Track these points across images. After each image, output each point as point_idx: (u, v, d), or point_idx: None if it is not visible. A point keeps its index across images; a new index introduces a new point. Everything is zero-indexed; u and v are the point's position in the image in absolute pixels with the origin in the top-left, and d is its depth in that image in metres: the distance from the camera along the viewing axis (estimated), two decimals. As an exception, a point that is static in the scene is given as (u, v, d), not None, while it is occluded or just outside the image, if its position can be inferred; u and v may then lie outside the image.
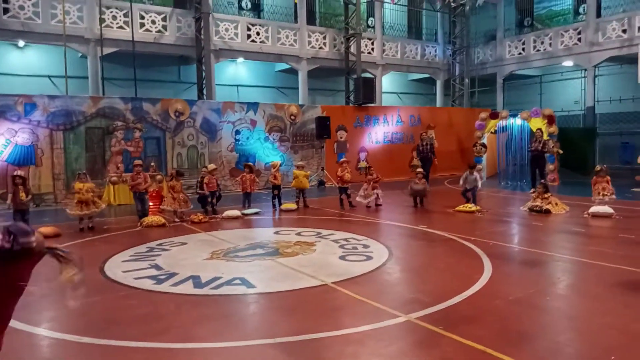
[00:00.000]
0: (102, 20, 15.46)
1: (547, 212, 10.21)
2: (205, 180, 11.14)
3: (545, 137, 15.73)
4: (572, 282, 5.80)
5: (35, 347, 4.25)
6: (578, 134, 18.46)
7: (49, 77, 16.11)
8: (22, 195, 8.87)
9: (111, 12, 15.93)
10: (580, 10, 20.83)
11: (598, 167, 10.72)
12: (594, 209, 9.87)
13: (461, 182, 11.41)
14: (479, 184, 11.47)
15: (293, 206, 11.62)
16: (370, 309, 4.82)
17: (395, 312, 4.65)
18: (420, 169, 12.21)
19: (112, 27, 15.86)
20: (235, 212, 10.66)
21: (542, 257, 6.83)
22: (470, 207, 10.79)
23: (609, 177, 10.45)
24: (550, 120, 15.84)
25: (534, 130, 15.73)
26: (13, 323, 4.52)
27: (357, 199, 11.71)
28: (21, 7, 14.57)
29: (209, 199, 11.05)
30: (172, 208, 10.29)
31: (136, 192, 10.26)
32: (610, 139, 19.87)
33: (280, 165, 12.92)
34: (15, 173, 9.49)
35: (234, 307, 5.09)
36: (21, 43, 15.56)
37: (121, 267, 6.57)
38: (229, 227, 9.57)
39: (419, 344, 4.08)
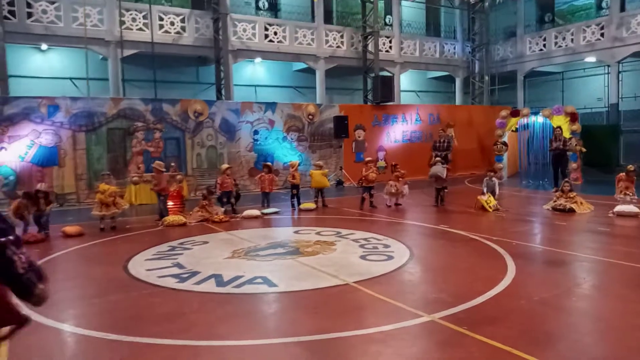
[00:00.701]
0: (122, 23, 15.70)
1: (571, 211, 10.04)
2: (219, 181, 11.19)
3: (567, 135, 15.47)
4: (598, 283, 5.69)
5: (64, 343, 4.34)
6: (601, 131, 18.10)
7: (70, 79, 16.42)
8: (44, 206, 9.02)
9: (131, 14, 16.15)
10: (603, 4, 20.42)
11: (632, 167, 10.42)
12: (619, 207, 9.67)
13: (484, 189, 11.23)
14: (497, 189, 11.24)
15: (312, 206, 11.63)
16: (393, 309, 4.80)
17: (418, 312, 4.62)
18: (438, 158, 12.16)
19: (131, 29, 16.09)
20: (255, 212, 10.71)
21: (567, 257, 6.71)
22: (490, 200, 10.66)
23: (634, 178, 10.24)
24: (573, 117, 15.56)
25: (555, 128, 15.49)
26: (41, 319, 4.65)
27: (385, 196, 11.68)
28: (44, 11, 14.88)
29: (224, 199, 11.06)
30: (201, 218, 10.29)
31: (159, 193, 10.40)
32: (634, 136, 19.41)
33: (299, 164, 12.94)
34: (37, 187, 9.54)
35: (256, 305, 5.12)
36: (44, 46, 15.90)
37: (144, 266, 6.65)
38: (249, 227, 9.62)
39: (442, 344, 4.05)
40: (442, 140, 15.94)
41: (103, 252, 7.78)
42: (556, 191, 11.00)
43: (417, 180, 15.01)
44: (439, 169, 11.52)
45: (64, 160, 13.07)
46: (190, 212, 10.43)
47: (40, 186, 9.87)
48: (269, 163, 12.57)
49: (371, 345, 4.01)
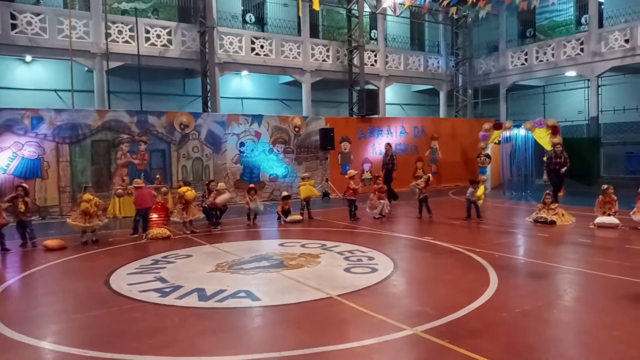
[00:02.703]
0: (107, 35, 15.66)
1: (553, 223, 10.17)
2: (210, 199, 11.04)
3: (548, 147, 15.72)
4: (579, 295, 5.76)
5: (41, 361, 4.25)
6: (582, 144, 18.42)
7: (55, 91, 16.29)
8: (21, 206, 8.88)
9: (117, 26, 16.14)
10: (582, 20, 20.95)
11: (605, 187, 10.47)
12: (600, 219, 9.82)
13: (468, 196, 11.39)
14: (469, 194, 11.38)
15: (298, 217, 11.63)
16: (376, 322, 4.80)
17: (401, 325, 4.63)
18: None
19: (117, 42, 16.06)
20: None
21: (549, 269, 6.79)
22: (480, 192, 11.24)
23: (613, 196, 10.26)
24: (554, 130, 15.82)
25: (542, 142, 15.76)
26: (18, 337, 4.56)
27: (367, 210, 11.76)
28: (28, 23, 14.80)
29: (214, 212, 11.03)
30: (180, 219, 10.27)
31: (142, 208, 10.06)
32: (614, 148, 19.83)
33: (285, 176, 12.96)
34: (19, 184, 9.53)
35: (238, 320, 5.08)
36: (28, 58, 15.78)
37: (126, 280, 6.57)
38: (233, 239, 9.56)
39: (425, 358, 4.05)
40: (389, 155, 15.25)
41: (84, 266, 7.66)
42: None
43: (401, 192, 15.08)
44: (412, 188, 11.85)
45: (47, 173, 12.91)
46: (173, 211, 10.48)
47: (22, 183, 9.74)
48: (252, 185, 12.28)
49: (353, 359, 4.00)
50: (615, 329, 4.51)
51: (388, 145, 15.54)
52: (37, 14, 14.94)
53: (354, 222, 11.25)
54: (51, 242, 8.89)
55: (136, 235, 9.83)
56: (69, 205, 12.90)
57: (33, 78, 16.25)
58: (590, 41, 19.17)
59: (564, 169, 12.88)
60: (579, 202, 12.72)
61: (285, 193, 12.36)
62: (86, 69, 15.96)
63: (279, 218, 11.65)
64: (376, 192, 11.81)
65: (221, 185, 11.62)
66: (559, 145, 13.67)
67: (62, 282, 6.96)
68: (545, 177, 13.42)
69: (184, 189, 10.46)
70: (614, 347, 4.16)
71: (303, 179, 12.54)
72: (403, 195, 14.92)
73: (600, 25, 19.35)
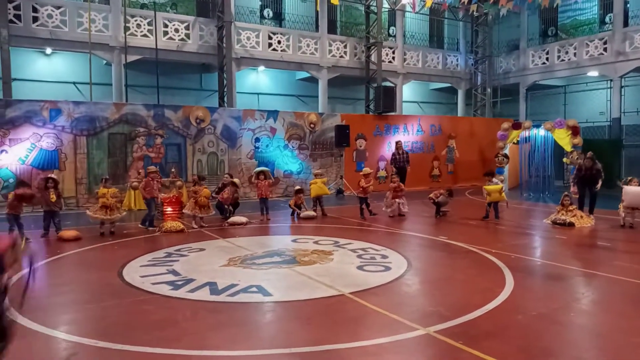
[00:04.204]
0: (126, 29, 15.77)
1: (571, 225, 9.96)
2: (224, 194, 11.14)
3: (568, 148, 15.47)
4: (597, 298, 5.61)
5: (52, 350, 4.26)
6: (603, 145, 18.01)
7: (74, 83, 16.46)
8: (53, 196, 9.10)
9: (135, 20, 16.24)
10: (607, 19, 20.46)
11: (629, 178, 10.32)
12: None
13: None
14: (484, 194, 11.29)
15: (312, 213, 11.58)
16: (388, 321, 4.73)
17: (414, 325, 4.55)
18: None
19: (136, 35, 16.16)
20: (242, 219, 10.70)
21: (566, 272, 6.64)
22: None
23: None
24: (575, 131, 15.52)
25: (562, 143, 15.53)
26: (30, 325, 4.60)
27: (383, 208, 11.69)
28: (49, 16, 14.97)
29: (226, 206, 11.08)
30: (191, 212, 10.35)
31: (146, 198, 10.34)
32: (636, 151, 19.34)
33: (299, 173, 12.94)
34: (49, 175, 9.71)
35: (249, 315, 5.05)
36: (48, 50, 15.96)
37: (139, 272, 6.59)
38: (247, 234, 9.56)
39: (438, 359, 3.97)
40: (400, 152, 16.35)
41: (99, 258, 7.72)
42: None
43: (418, 190, 14.94)
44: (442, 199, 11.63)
45: (64, 164, 13.06)
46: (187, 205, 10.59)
47: (51, 174, 9.94)
48: (264, 169, 12.38)
49: (365, 358, 3.94)
50: (634, 335, 4.37)
51: (399, 142, 16.34)
52: (58, 7, 15.09)
53: (364, 220, 11.16)
54: (67, 233, 9.00)
55: (150, 228, 9.96)
56: (86, 197, 13.06)
57: (53, 70, 16.44)
58: (614, 40, 18.72)
59: (598, 185, 10.59)
60: (599, 205, 12.41)
61: (298, 187, 12.33)
62: (105, 62, 16.10)
63: (292, 213, 11.63)
64: (392, 191, 11.72)
65: (237, 180, 11.68)
66: (589, 155, 11.04)
67: (77, 272, 7.02)
68: (573, 189, 11.28)
69: (198, 191, 10.51)
70: (632, 352, 4.03)
71: (315, 175, 12.48)
72: (419, 195, 14.76)
73: (626, 24, 18.88)
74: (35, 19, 14.79)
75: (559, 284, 6.09)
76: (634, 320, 4.76)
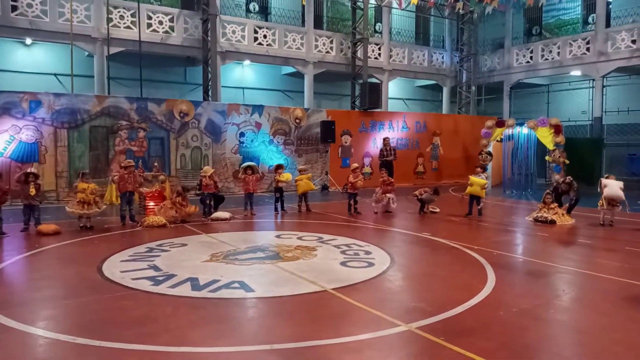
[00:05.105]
0: (109, 20, 15.49)
1: (553, 222, 10.08)
2: (203, 182, 10.93)
3: (550, 147, 15.65)
4: (578, 295, 5.68)
5: (29, 347, 4.16)
6: (585, 144, 18.27)
7: (55, 75, 16.15)
8: (32, 190, 8.91)
9: (118, 11, 15.96)
10: (590, 19, 20.73)
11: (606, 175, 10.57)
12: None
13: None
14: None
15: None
16: (370, 317, 4.72)
17: (396, 321, 4.55)
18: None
19: (119, 27, 15.90)
20: (225, 214, 10.51)
21: (547, 269, 6.71)
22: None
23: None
24: (557, 129, 15.70)
25: (545, 141, 15.74)
26: (6, 321, 4.48)
27: (373, 204, 11.68)
28: (29, 5, 14.63)
29: (207, 201, 10.87)
30: (171, 218, 9.95)
31: (125, 192, 10.02)
32: (617, 150, 19.68)
33: (285, 168, 12.87)
34: (28, 170, 9.46)
35: (231, 311, 5.00)
36: (28, 41, 15.62)
37: (119, 267, 6.49)
38: (230, 230, 9.48)
39: (419, 355, 3.98)
40: (387, 148, 16.53)
41: (78, 252, 7.58)
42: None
43: (403, 187, 14.99)
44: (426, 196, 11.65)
45: (45, 157, 12.81)
46: (162, 205, 10.17)
47: (31, 169, 9.71)
48: (252, 164, 12.29)
49: (346, 354, 3.92)
50: (613, 331, 4.43)
51: (386, 139, 16.66)
52: (38, -4, 14.77)
53: (351, 216, 11.15)
54: (45, 227, 8.82)
55: (131, 222, 9.84)
56: (66, 191, 12.82)
57: (33, 61, 16.09)
58: (596, 40, 18.98)
59: (574, 206, 10.79)
60: (580, 203, 12.59)
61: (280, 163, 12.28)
62: (87, 53, 15.81)
63: (276, 200, 11.60)
64: (382, 186, 11.70)
65: (207, 168, 11.37)
66: (568, 179, 11.04)
67: (55, 267, 6.88)
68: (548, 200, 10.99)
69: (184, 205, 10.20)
70: (611, 348, 4.08)
71: (300, 171, 12.41)
72: (403, 191, 14.81)
73: (608, 24, 19.14)
74: (14, 8, 14.44)
75: (540, 281, 6.16)
76: (613, 317, 4.82)
